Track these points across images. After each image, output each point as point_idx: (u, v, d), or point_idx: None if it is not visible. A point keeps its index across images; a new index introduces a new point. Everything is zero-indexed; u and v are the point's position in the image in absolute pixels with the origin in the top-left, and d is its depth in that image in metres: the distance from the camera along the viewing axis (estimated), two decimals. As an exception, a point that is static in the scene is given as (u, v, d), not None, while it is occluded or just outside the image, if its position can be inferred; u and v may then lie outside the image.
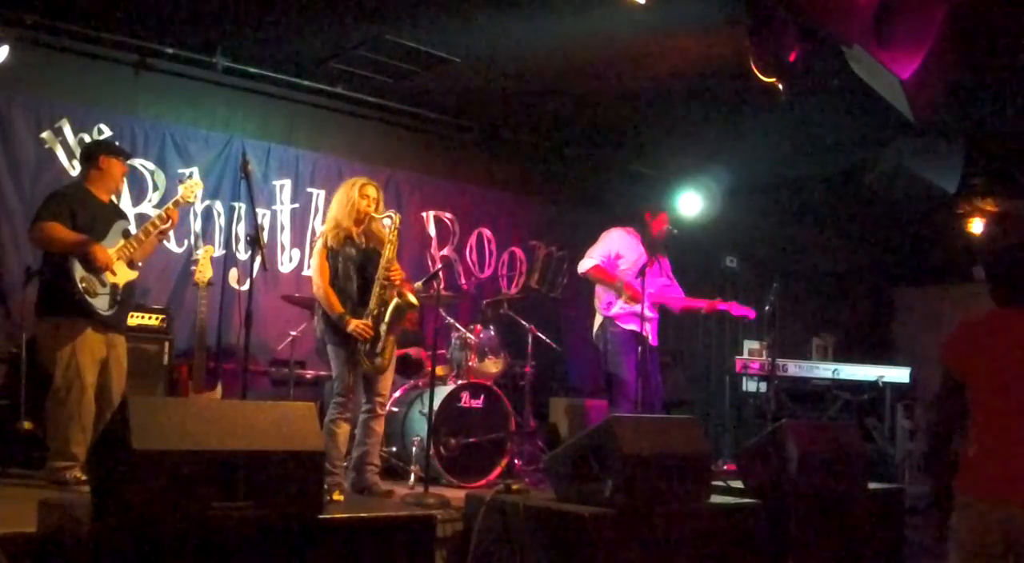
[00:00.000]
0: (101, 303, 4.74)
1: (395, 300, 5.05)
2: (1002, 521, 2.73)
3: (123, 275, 4.87)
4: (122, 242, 4.90)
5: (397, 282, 5.09)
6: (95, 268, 4.70)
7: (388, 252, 5.07)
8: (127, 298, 4.92)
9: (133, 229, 5.16)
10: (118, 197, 6.16)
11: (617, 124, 7.98)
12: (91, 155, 5.01)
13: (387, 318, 5.03)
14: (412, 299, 5.14)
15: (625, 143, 8.51)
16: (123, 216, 5.15)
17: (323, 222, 7.04)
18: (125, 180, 5.44)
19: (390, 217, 5.15)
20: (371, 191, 5.13)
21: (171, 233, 5.57)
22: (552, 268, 8.60)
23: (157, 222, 5.02)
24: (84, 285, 4.67)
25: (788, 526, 4.38)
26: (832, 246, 10.58)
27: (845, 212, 9.76)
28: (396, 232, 5.12)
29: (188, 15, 6.08)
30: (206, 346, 5.52)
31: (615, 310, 6.36)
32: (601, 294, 6.46)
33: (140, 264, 5.10)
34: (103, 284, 4.76)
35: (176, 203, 5.13)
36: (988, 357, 2.86)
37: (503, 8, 5.75)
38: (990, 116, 7.08)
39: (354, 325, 4.91)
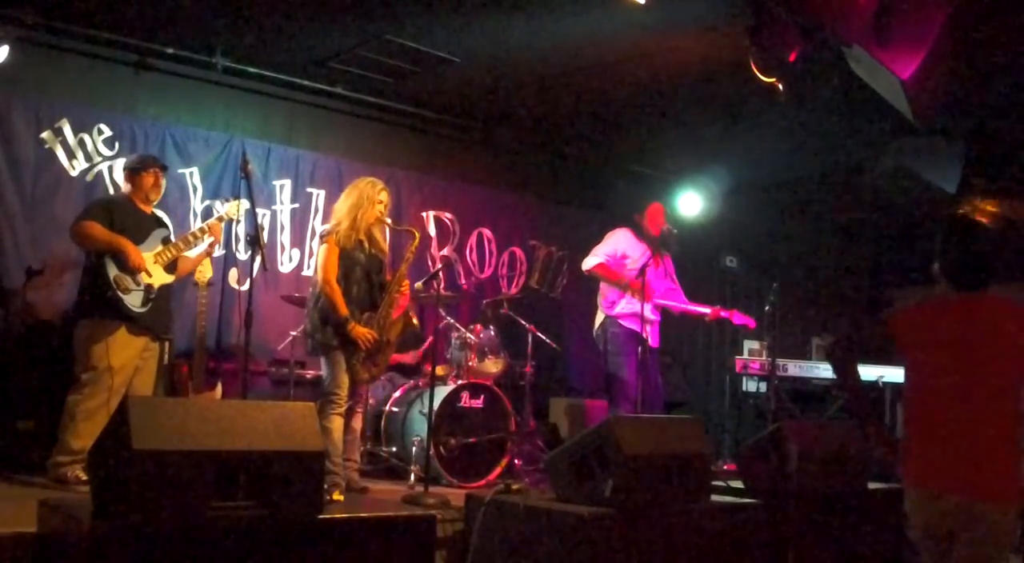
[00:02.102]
0: (133, 300, 4.88)
1: (400, 316, 5.11)
2: (942, 508, 2.89)
3: (158, 278, 5.03)
4: (160, 248, 5.09)
5: (404, 299, 5.15)
6: (128, 268, 4.88)
7: (403, 268, 5.11)
8: (161, 300, 5.06)
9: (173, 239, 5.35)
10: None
11: (617, 124, 7.98)
12: (123, 172, 5.29)
13: (390, 331, 5.07)
14: (415, 321, 5.22)
15: (625, 143, 8.51)
16: (163, 225, 5.33)
17: (323, 221, 7.07)
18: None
19: (413, 232, 5.18)
20: (385, 196, 5.17)
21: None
22: (552, 268, 8.60)
23: (198, 233, 5.25)
24: (117, 283, 4.83)
25: (788, 526, 4.38)
26: (832, 246, 10.58)
27: (845, 212, 9.76)
28: (414, 250, 5.16)
29: (188, 15, 6.08)
30: (206, 346, 5.53)
31: (618, 309, 6.36)
32: (605, 292, 6.47)
33: (182, 276, 5.31)
34: (137, 283, 4.92)
35: (220, 219, 5.39)
36: (933, 338, 3.02)
37: (503, 8, 5.75)
38: (990, 116, 7.08)
39: (359, 332, 4.91)
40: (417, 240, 5.20)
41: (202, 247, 5.32)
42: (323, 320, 4.99)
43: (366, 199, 5.08)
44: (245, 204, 5.48)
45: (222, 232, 5.47)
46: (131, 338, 4.87)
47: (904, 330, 3.12)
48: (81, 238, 4.95)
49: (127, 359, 4.85)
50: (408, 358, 6.76)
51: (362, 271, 5.06)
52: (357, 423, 5.21)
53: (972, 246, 3.10)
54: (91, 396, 4.74)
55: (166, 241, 5.16)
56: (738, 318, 6.77)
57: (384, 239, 5.31)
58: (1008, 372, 2.94)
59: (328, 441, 4.83)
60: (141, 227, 5.07)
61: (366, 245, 5.12)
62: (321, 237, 5.15)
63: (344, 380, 4.97)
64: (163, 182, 5.26)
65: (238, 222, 6.73)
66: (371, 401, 5.91)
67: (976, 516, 2.83)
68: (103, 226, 4.89)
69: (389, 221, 5.28)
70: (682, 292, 6.78)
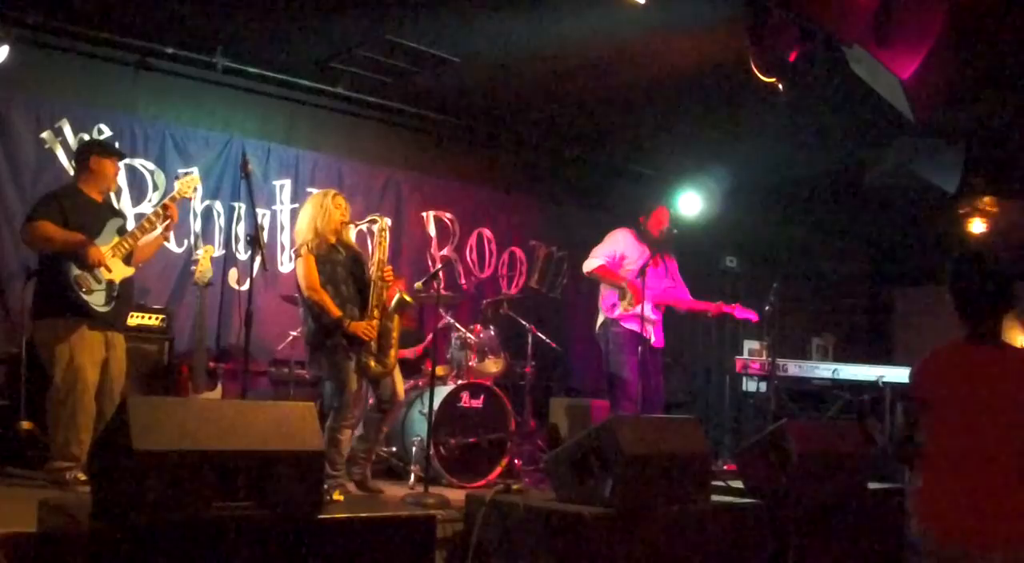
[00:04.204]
0: (97, 300, 4.73)
1: (396, 296, 5.08)
2: None
3: (119, 272, 4.84)
4: (117, 239, 4.88)
5: (391, 280, 5.12)
6: (88, 266, 4.69)
7: (380, 254, 5.09)
8: (124, 295, 4.89)
9: (130, 226, 5.11)
10: (118, 197, 6.17)
11: (617, 124, 7.98)
12: (81, 155, 5.03)
13: (390, 315, 5.05)
14: (408, 297, 5.17)
15: (625, 143, 8.51)
16: (118, 214, 5.15)
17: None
18: (125, 180, 5.44)
19: (375, 220, 5.18)
20: (341, 201, 5.17)
21: (171, 233, 5.52)
22: (552, 268, 8.60)
23: (153, 218, 4.98)
24: (79, 283, 4.66)
25: (788, 526, 4.38)
26: (832, 246, 10.59)
27: (845, 212, 9.77)
28: (385, 234, 5.15)
29: (188, 15, 6.08)
30: (206, 346, 5.52)
31: (619, 311, 6.37)
32: (605, 294, 6.47)
33: (140, 264, 5.10)
34: (98, 281, 4.74)
35: (173, 199, 5.11)
36: (956, 391, 2.93)
37: (503, 8, 5.75)
38: (990, 116, 7.07)
39: (358, 327, 4.90)
40: (383, 223, 5.16)
41: (158, 231, 5.05)
42: (321, 329, 4.96)
43: (321, 208, 5.07)
44: (197, 179, 5.38)
45: (178, 212, 5.15)
46: (93, 334, 4.72)
47: (924, 386, 3.02)
48: (35, 241, 4.73)
49: (94, 355, 4.73)
50: (408, 353, 6.77)
51: (345, 270, 5.06)
52: (387, 427, 5.29)
53: (984, 279, 3.03)
54: (67, 399, 4.63)
55: (122, 231, 4.94)
56: (740, 312, 6.78)
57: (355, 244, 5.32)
58: None
59: (335, 451, 4.82)
60: (96, 219, 4.85)
61: (340, 249, 5.12)
62: (295, 253, 5.10)
63: (355, 385, 4.95)
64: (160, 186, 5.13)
65: (236, 217, 6.77)
66: (371, 401, 5.90)
67: None
68: (56, 223, 4.68)
69: (379, 222, 5.25)
70: (686, 290, 6.78)
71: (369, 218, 5.22)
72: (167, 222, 5.03)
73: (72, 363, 4.65)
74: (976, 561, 2.78)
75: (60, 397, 4.66)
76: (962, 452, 2.88)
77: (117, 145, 6.20)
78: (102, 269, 4.75)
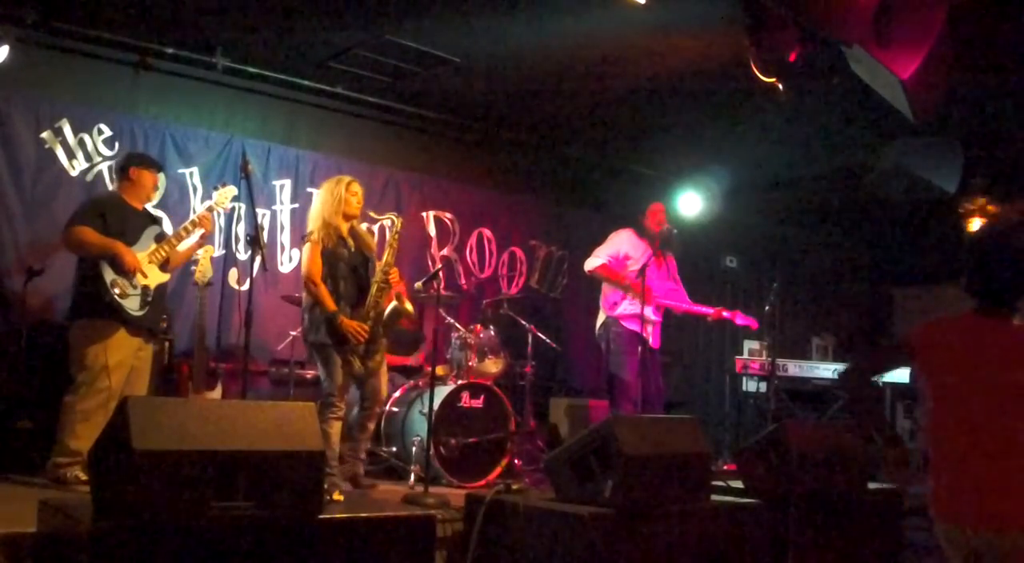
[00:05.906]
0: (132, 304, 4.86)
1: (392, 304, 5.07)
2: (967, 544, 2.70)
3: (154, 278, 5.01)
4: (154, 246, 5.05)
5: (395, 285, 5.12)
6: (124, 271, 4.84)
7: (388, 256, 5.10)
8: (158, 300, 5.04)
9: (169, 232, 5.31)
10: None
11: (617, 124, 7.98)
12: (123, 167, 5.22)
13: (384, 321, 5.05)
14: (408, 306, 5.18)
15: (625, 143, 8.51)
16: (156, 222, 5.31)
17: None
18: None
19: (392, 219, 5.19)
20: (356, 188, 5.19)
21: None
22: (552, 268, 8.60)
23: (190, 227, 5.19)
24: (115, 287, 4.81)
25: (788, 526, 4.38)
26: (832, 246, 10.59)
27: (845, 212, 9.77)
28: (397, 235, 5.15)
29: (188, 15, 6.08)
30: (206, 346, 5.53)
31: (619, 310, 6.38)
32: (607, 293, 6.48)
33: (173, 271, 5.26)
34: (134, 286, 4.89)
35: (210, 209, 5.34)
36: (960, 361, 2.81)
37: (503, 8, 5.75)
38: (990, 116, 7.07)
39: (349, 326, 4.92)
40: (399, 225, 5.20)
41: (193, 239, 5.25)
42: (314, 321, 5.02)
43: (334, 197, 5.10)
44: (233, 191, 5.51)
45: (213, 222, 5.42)
46: (128, 339, 4.86)
47: (926, 351, 2.88)
48: (74, 245, 4.90)
49: (124, 359, 4.84)
50: (410, 360, 6.77)
51: (347, 267, 5.07)
52: (372, 424, 5.27)
53: (1006, 263, 2.83)
54: (88, 397, 4.74)
55: (159, 238, 5.12)
56: (741, 319, 6.79)
57: (372, 235, 5.33)
58: None
59: (326, 445, 4.82)
60: (134, 226, 5.02)
61: (350, 242, 5.13)
62: (303, 239, 5.17)
63: (341, 380, 4.98)
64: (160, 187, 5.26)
65: (236, 217, 6.77)
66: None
67: (1010, 549, 2.64)
68: (96, 229, 4.84)
69: (392, 222, 5.28)
70: (684, 292, 6.79)
71: (388, 215, 5.26)
72: (202, 232, 5.23)
73: (100, 362, 4.76)
74: (978, 539, 2.66)
75: (81, 392, 4.75)
76: (966, 427, 2.74)
77: (117, 145, 6.26)
78: (138, 275, 4.89)
